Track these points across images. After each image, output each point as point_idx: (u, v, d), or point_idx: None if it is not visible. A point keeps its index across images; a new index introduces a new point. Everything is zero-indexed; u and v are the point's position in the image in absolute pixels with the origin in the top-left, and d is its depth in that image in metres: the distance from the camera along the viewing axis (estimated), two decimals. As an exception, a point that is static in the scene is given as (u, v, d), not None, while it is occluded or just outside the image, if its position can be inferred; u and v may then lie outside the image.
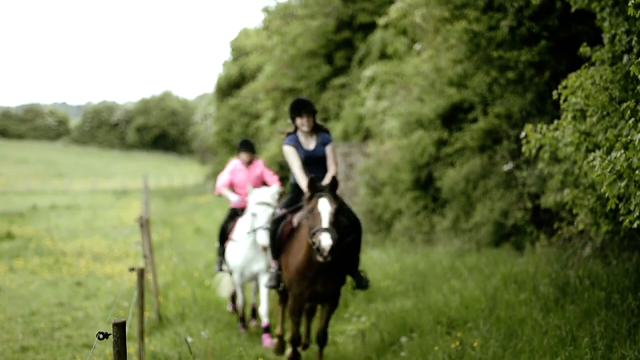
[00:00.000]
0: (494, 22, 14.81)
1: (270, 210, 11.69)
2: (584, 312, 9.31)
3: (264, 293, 12.27)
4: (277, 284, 10.29)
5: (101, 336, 5.82)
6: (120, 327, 5.63)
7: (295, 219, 10.08)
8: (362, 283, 10.22)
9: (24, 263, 21.17)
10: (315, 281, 9.79)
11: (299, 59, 31.01)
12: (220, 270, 13.36)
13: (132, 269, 10.72)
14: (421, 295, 12.56)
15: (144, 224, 14.88)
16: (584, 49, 9.63)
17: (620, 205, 8.04)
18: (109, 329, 5.73)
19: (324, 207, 9.32)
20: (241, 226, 12.57)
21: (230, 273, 13.06)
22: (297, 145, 10.29)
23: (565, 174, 11.22)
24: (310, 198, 9.50)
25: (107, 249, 24.56)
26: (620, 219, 8.31)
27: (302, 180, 10.04)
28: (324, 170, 10.32)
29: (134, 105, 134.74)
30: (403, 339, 10.53)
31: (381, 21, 23.02)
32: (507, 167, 15.19)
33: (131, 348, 10.59)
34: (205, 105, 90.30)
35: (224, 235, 13.12)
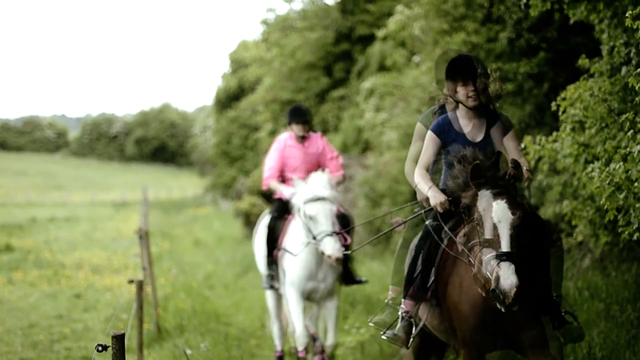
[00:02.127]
0: (492, 34, 14.84)
1: (330, 207, 9.37)
2: (583, 323, 9.30)
3: (332, 320, 10.01)
4: (407, 340, 6.88)
5: (100, 348, 5.81)
6: (119, 339, 5.62)
7: (459, 242, 6.31)
8: (570, 330, 6.53)
9: (23, 275, 21.15)
10: (504, 328, 6.22)
11: (298, 71, 31.04)
12: (272, 287, 10.55)
13: (131, 281, 10.73)
14: (420, 307, 12.54)
15: (143, 236, 14.87)
16: (583, 61, 9.66)
17: (619, 216, 8.05)
18: (108, 341, 5.72)
19: (502, 214, 5.83)
20: (295, 231, 9.87)
21: (274, 289, 10.68)
22: (449, 132, 6.67)
23: (565, 185, 11.23)
24: (474, 196, 6.00)
25: (106, 261, 24.54)
26: (619, 230, 8.31)
27: (424, 186, 6.70)
28: None
29: (133, 117, 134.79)
30: (403, 351, 10.52)
31: (380, 33, 23.04)
32: (506, 178, 15.17)
33: (130, 360, 10.58)
34: (204, 118, 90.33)
35: (273, 239, 10.21)
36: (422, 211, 7.05)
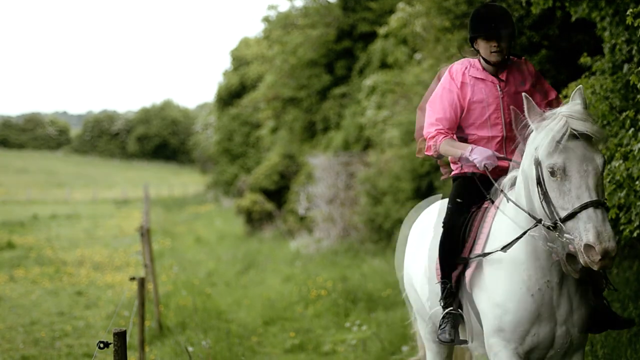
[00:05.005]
0: (494, 31, 14.83)
1: (597, 158, 4.92)
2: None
3: None
4: None
5: (102, 345, 5.81)
6: (121, 336, 5.63)
7: None
8: None
9: (24, 272, 21.16)
10: None
11: (299, 69, 31.04)
12: (451, 341, 5.61)
13: (132, 278, 10.73)
14: (422, 305, 12.55)
15: (145, 234, 14.88)
16: (585, 59, 9.65)
17: (621, 214, 8.05)
18: (110, 338, 5.72)
19: None
20: (504, 229, 5.39)
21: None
22: None
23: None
24: None
25: (107, 259, 24.56)
26: (621, 228, 8.30)
27: None
28: None
29: (134, 114, 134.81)
30: (404, 348, 10.53)
31: (382, 31, 23.05)
32: (508, 176, 15.18)
33: (132, 357, 10.59)
34: (206, 115, 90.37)
35: (456, 247, 5.69)
36: None
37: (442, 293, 5.77)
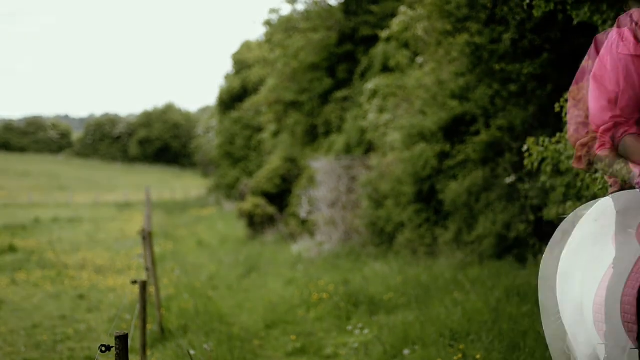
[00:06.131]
0: (496, 35, 14.84)
1: None
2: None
3: None
4: None
5: (103, 349, 5.81)
6: (122, 339, 5.62)
7: None
8: None
9: (26, 276, 21.16)
10: None
11: (301, 72, 31.07)
12: None
13: (134, 282, 10.72)
14: (424, 308, 12.54)
15: (147, 237, 14.87)
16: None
17: (623, 217, 8.03)
18: (112, 342, 5.72)
19: None
20: None
21: None
22: None
23: (568, 186, 11.21)
24: None
25: (109, 262, 24.56)
26: None
27: None
28: None
29: (136, 118, 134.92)
30: (406, 352, 10.52)
31: (383, 34, 23.07)
32: (510, 179, 15.19)
33: (133, 361, 10.60)
34: (208, 118, 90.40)
35: None
36: None
37: None
